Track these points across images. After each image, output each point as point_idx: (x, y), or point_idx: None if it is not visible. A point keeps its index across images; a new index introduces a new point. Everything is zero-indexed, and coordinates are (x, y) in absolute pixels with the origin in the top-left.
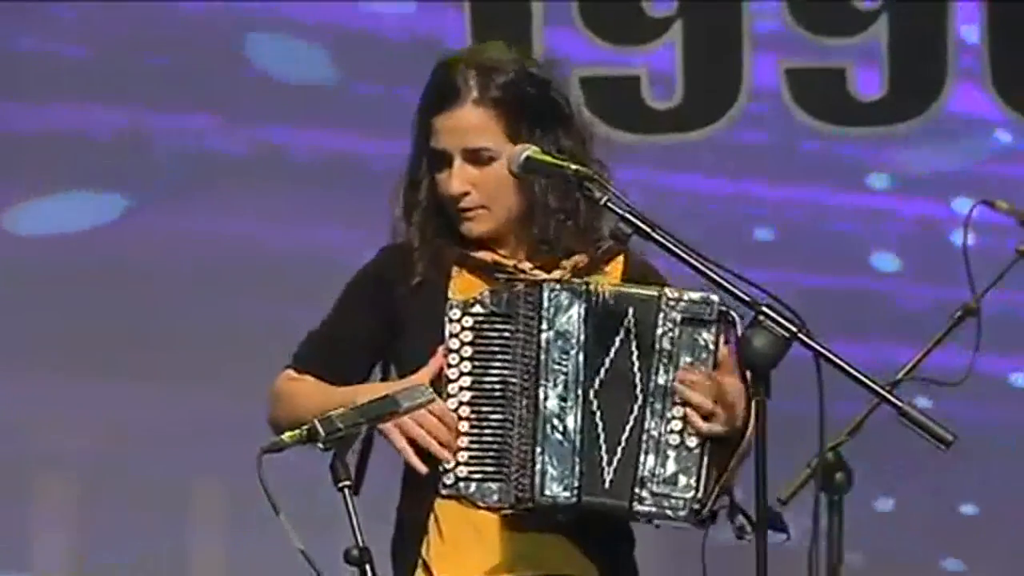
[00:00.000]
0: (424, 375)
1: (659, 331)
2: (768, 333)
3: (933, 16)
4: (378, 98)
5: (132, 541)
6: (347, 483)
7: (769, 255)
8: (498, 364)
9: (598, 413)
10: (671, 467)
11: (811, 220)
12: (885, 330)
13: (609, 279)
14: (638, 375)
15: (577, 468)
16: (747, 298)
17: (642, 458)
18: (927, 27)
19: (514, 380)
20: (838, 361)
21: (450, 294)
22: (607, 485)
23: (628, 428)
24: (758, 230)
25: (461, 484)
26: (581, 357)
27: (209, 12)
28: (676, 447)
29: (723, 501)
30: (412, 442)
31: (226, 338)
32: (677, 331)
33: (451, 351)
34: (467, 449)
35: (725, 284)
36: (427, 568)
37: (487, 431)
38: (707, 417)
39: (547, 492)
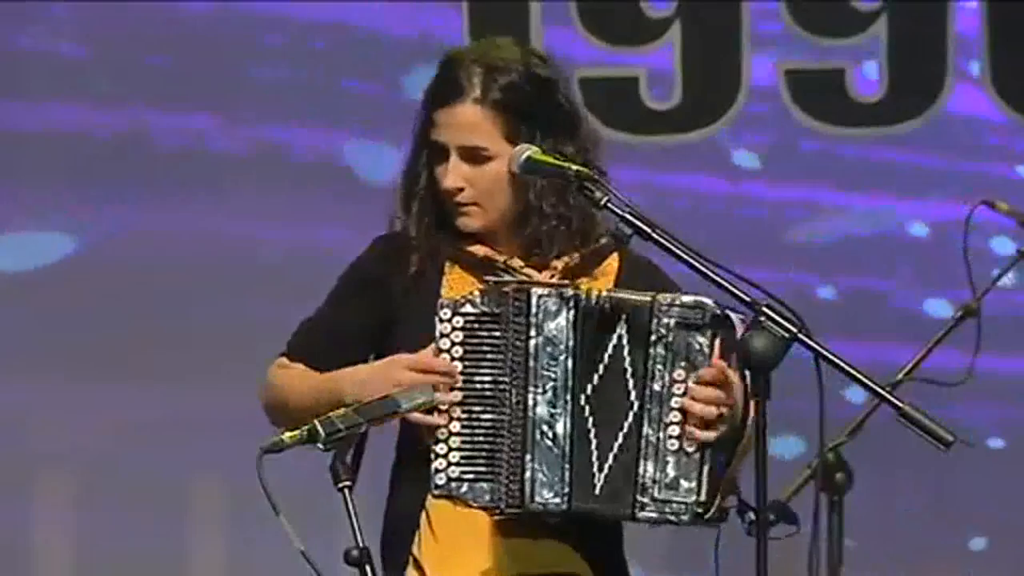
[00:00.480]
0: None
1: (653, 336)
2: (768, 334)
3: (933, 16)
4: (377, 98)
5: (132, 540)
6: (347, 483)
7: (769, 255)
8: (489, 365)
9: (590, 419)
10: (671, 472)
11: (810, 220)
12: (885, 330)
13: (601, 280)
14: (632, 381)
15: (567, 475)
16: (747, 298)
17: (641, 464)
18: (927, 27)
19: (504, 381)
20: (838, 361)
21: (443, 290)
22: (597, 491)
23: (623, 435)
24: (758, 231)
25: (453, 484)
26: (571, 363)
27: (209, 12)
28: (675, 452)
29: (731, 500)
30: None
31: (226, 338)
32: (671, 336)
33: (441, 351)
34: (459, 449)
35: (725, 284)
36: (419, 567)
37: (479, 431)
38: (708, 425)
39: (537, 499)
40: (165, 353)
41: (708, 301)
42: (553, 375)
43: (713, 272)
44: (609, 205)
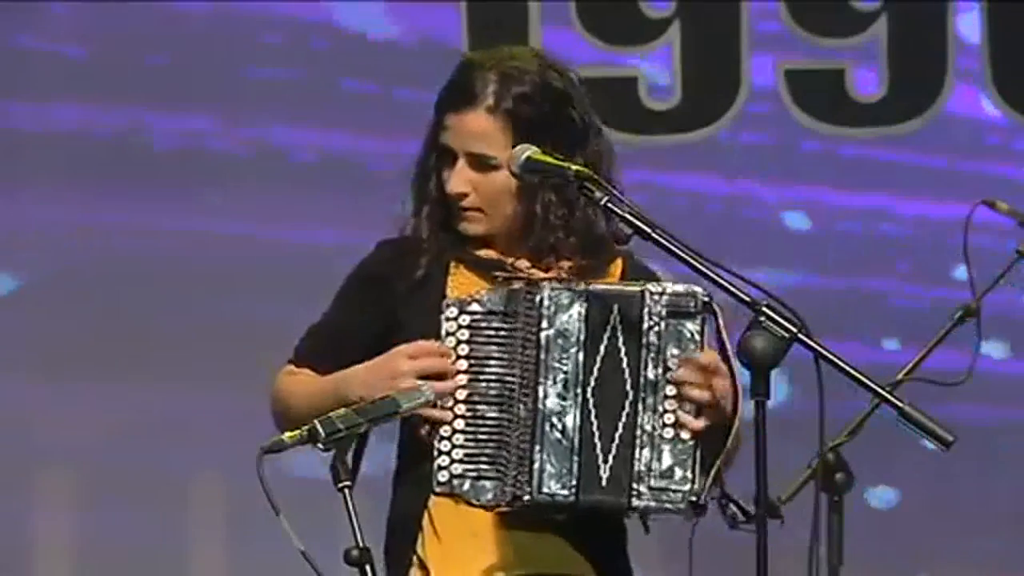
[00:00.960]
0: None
1: (645, 325)
2: (768, 334)
3: (933, 16)
4: (376, 98)
5: (131, 539)
6: (347, 483)
7: (769, 255)
8: (495, 363)
9: (594, 411)
10: (667, 460)
11: (811, 220)
12: (885, 330)
13: (606, 282)
14: (628, 371)
15: (575, 466)
16: (747, 298)
17: (637, 453)
18: (927, 27)
19: (511, 379)
20: (838, 361)
21: (448, 291)
22: (603, 483)
23: (622, 424)
24: (758, 231)
25: (455, 482)
26: (581, 356)
27: (209, 12)
28: (671, 440)
29: (714, 492)
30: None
31: (226, 338)
32: (663, 324)
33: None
34: (462, 447)
35: (725, 284)
36: (423, 566)
37: (482, 430)
38: (698, 412)
39: (545, 490)
40: (165, 353)
41: (698, 289)
42: (564, 368)
43: (713, 272)
44: (609, 205)
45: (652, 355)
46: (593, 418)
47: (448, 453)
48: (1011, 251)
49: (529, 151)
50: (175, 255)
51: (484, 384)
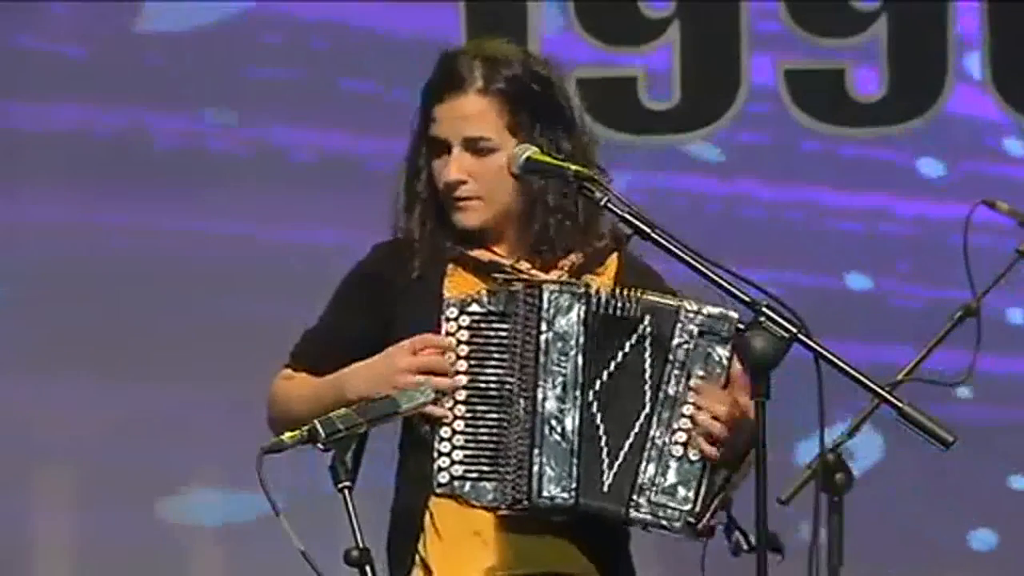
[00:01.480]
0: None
1: (675, 341)
2: (768, 334)
3: (933, 16)
4: (376, 98)
5: (131, 537)
6: (347, 483)
7: (769, 255)
8: (495, 364)
9: (599, 416)
10: (671, 477)
11: (811, 220)
12: (885, 330)
13: (603, 278)
14: (649, 382)
15: (575, 470)
16: (747, 298)
17: (643, 465)
18: (927, 27)
19: (511, 380)
20: (838, 361)
21: (445, 292)
22: (606, 489)
23: (632, 434)
24: (758, 230)
25: (456, 483)
26: (580, 359)
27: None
28: (679, 458)
29: (721, 517)
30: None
31: (226, 338)
32: (693, 343)
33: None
34: (462, 448)
35: (724, 284)
36: (425, 566)
37: (483, 431)
38: (714, 440)
39: (544, 493)
40: (164, 352)
41: (734, 314)
42: (563, 371)
43: (712, 272)
44: (608, 205)
45: (676, 371)
46: (599, 422)
47: (448, 454)
48: (1011, 251)
49: (529, 151)
50: (175, 255)
51: (484, 385)
